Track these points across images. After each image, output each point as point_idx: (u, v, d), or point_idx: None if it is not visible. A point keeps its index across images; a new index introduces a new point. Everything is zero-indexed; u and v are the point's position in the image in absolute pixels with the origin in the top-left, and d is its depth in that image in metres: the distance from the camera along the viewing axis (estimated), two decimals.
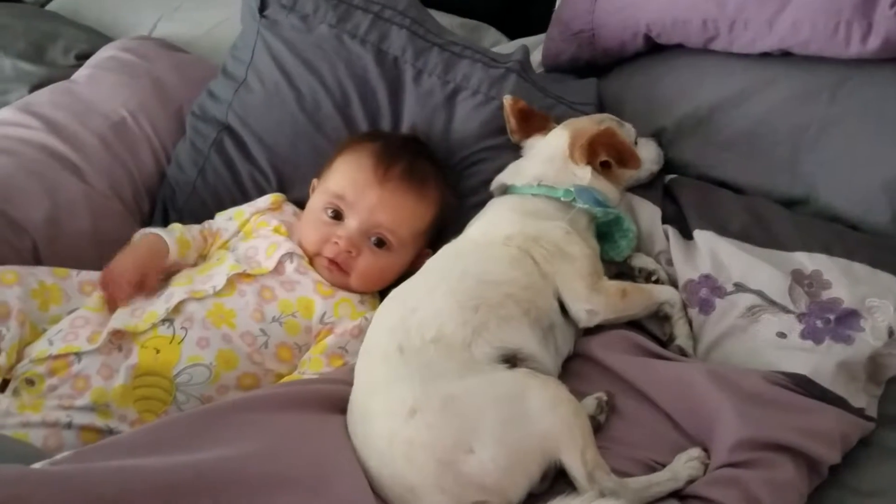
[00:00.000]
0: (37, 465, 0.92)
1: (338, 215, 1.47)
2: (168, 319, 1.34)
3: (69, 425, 1.22)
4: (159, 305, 1.36)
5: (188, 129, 1.71)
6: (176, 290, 1.39)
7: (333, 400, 1.24)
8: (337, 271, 1.46)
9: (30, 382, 1.26)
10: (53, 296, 1.38)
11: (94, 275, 1.43)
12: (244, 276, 1.43)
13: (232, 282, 1.41)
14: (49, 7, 2.33)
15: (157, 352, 1.31)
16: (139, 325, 1.33)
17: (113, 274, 1.38)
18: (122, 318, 1.34)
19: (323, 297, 1.43)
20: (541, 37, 1.97)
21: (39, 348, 1.29)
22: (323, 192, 1.51)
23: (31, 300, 1.34)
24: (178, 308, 1.36)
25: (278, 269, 1.45)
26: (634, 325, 1.40)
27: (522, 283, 1.32)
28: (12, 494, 0.83)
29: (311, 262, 1.48)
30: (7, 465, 0.87)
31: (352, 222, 1.46)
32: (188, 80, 1.81)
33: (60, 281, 1.40)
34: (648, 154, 1.58)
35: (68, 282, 1.41)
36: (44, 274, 1.39)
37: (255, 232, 1.52)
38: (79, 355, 1.29)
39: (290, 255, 1.46)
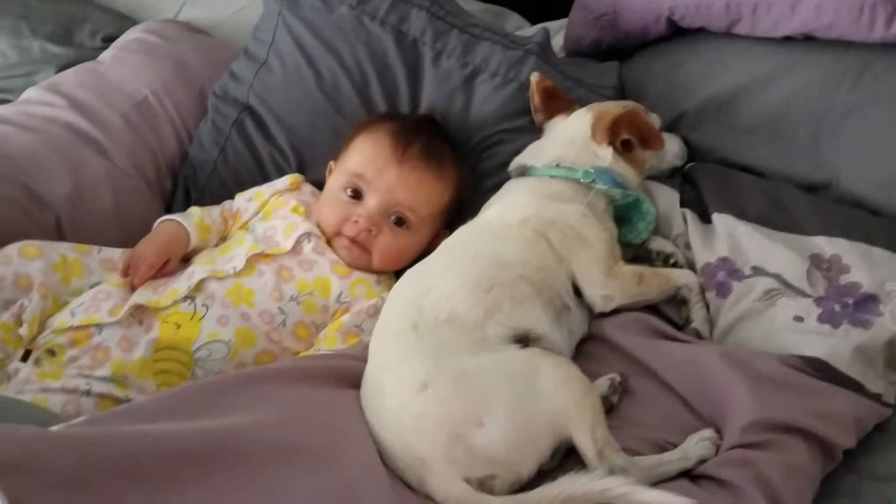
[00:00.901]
0: (53, 428, 0.94)
1: (357, 194, 1.48)
2: (189, 297, 1.36)
3: (88, 393, 1.24)
4: (181, 283, 1.38)
5: (210, 110, 1.72)
6: (197, 269, 1.41)
7: (347, 375, 1.25)
8: (357, 250, 1.46)
9: (51, 353, 1.28)
10: (75, 269, 1.40)
11: (115, 252, 1.45)
12: (263, 256, 1.44)
13: (251, 262, 1.42)
14: None
15: (178, 327, 1.33)
16: (161, 301, 1.35)
17: (135, 260, 1.40)
18: (144, 294, 1.36)
19: (339, 277, 1.44)
20: (562, 21, 1.97)
21: (61, 319, 1.32)
22: (341, 172, 1.51)
23: (54, 273, 1.36)
24: (199, 286, 1.38)
25: (296, 248, 1.46)
26: (651, 308, 1.40)
27: (536, 265, 1.32)
28: (27, 454, 0.84)
29: (329, 243, 1.49)
30: (22, 426, 0.89)
31: (371, 201, 1.47)
32: (211, 62, 1.82)
33: (82, 256, 1.42)
34: (671, 148, 1.58)
35: (90, 257, 1.43)
36: (66, 248, 1.41)
37: (274, 212, 1.54)
38: (100, 327, 1.31)
39: (307, 234, 1.47)
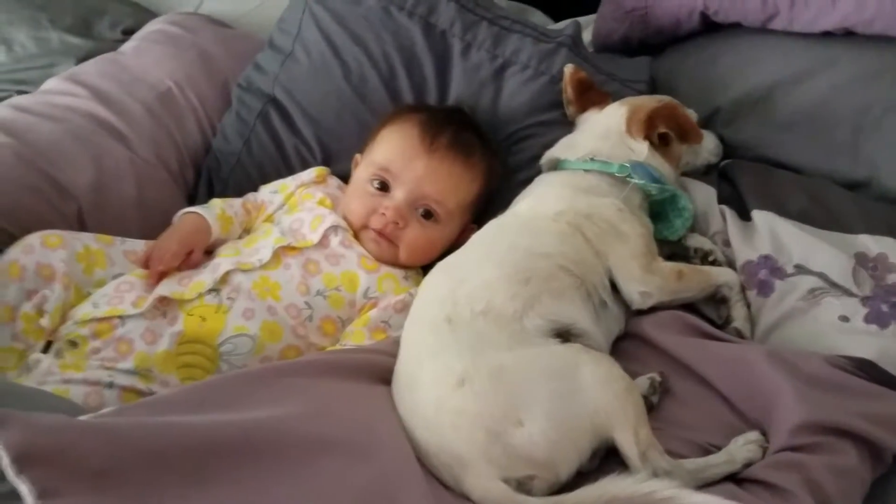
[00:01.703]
0: (81, 418, 0.90)
1: (384, 187, 1.45)
2: (215, 289, 1.33)
3: (111, 385, 1.20)
4: (206, 276, 1.35)
5: (234, 101, 1.69)
6: (223, 262, 1.37)
7: (377, 370, 1.21)
8: (385, 243, 1.43)
9: (73, 344, 1.25)
10: (98, 260, 1.36)
11: (138, 244, 1.42)
12: (289, 248, 1.41)
13: (277, 255, 1.39)
14: None
15: (203, 320, 1.30)
16: (185, 294, 1.32)
17: (158, 252, 1.36)
18: (168, 286, 1.33)
19: (367, 272, 1.41)
20: (590, 17, 1.93)
21: (84, 310, 1.28)
22: (368, 164, 1.48)
23: (77, 263, 1.33)
24: (224, 279, 1.34)
25: (323, 241, 1.42)
26: (688, 307, 1.36)
27: (573, 258, 1.28)
28: (56, 444, 0.81)
29: (356, 236, 1.45)
30: (51, 415, 0.85)
31: (399, 193, 1.43)
32: (234, 54, 1.79)
33: (105, 246, 1.39)
34: (707, 144, 1.54)
35: (113, 248, 1.40)
36: (89, 239, 1.37)
37: (300, 205, 1.50)
38: (123, 318, 1.27)
39: (335, 227, 1.44)
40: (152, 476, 0.86)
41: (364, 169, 1.48)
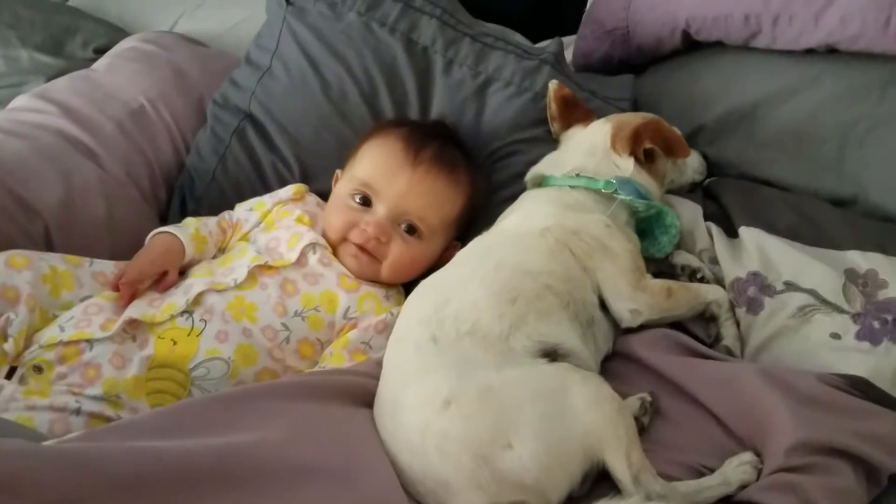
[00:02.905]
0: (45, 443, 0.85)
1: (366, 202, 1.41)
2: (187, 311, 1.28)
3: (78, 411, 1.14)
4: (178, 297, 1.30)
5: (209, 118, 1.65)
6: (196, 282, 1.32)
7: (359, 393, 1.16)
8: (366, 258, 1.39)
9: (38, 369, 1.19)
10: (65, 282, 1.30)
11: (107, 265, 1.36)
12: (266, 268, 1.36)
13: (253, 274, 1.34)
14: (70, 3, 2.29)
15: (174, 343, 1.24)
16: (156, 316, 1.26)
17: (129, 272, 1.31)
18: (139, 308, 1.27)
19: (347, 291, 1.36)
20: (570, 38, 1.92)
21: (49, 334, 1.22)
22: (349, 178, 1.44)
23: (42, 285, 1.27)
24: (197, 300, 1.29)
25: (301, 260, 1.38)
26: (677, 325, 1.33)
27: (561, 275, 1.24)
28: (19, 469, 0.75)
29: (334, 253, 1.41)
30: (10, 440, 0.80)
31: (381, 209, 1.39)
32: (209, 71, 1.76)
33: (73, 268, 1.33)
34: (692, 162, 1.53)
35: (81, 269, 1.34)
36: (56, 260, 1.32)
37: (277, 222, 1.46)
38: (91, 342, 1.22)
39: (313, 245, 1.39)
40: None
41: (345, 184, 1.44)
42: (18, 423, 1.08)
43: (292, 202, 1.48)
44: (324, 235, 1.42)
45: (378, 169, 1.41)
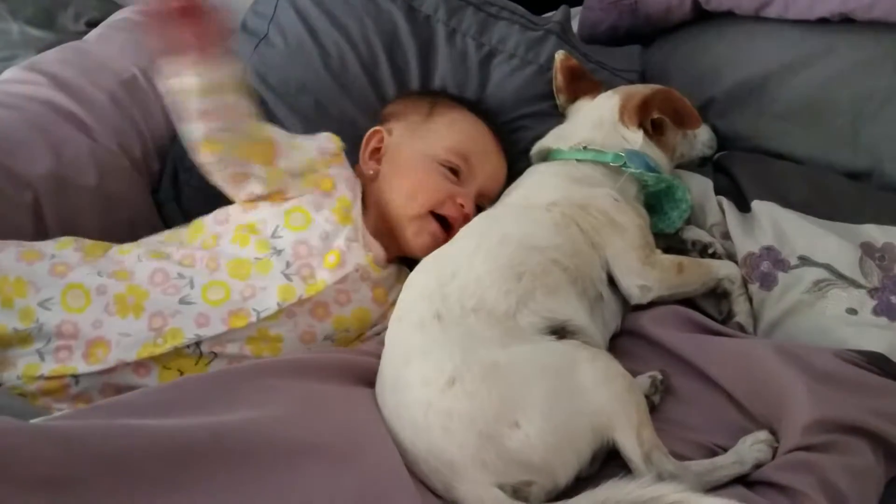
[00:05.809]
0: (32, 421, 0.81)
1: (454, 174, 1.34)
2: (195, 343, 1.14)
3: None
4: (186, 322, 1.13)
5: None
6: (213, 312, 1.15)
7: (361, 371, 1.13)
8: (442, 238, 1.28)
9: (21, 395, 1.08)
10: (18, 289, 1.13)
11: (71, 256, 1.20)
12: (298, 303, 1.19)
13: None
14: None
15: (181, 374, 1.13)
16: (156, 349, 1.12)
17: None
18: (136, 339, 1.11)
19: (379, 305, 1.27)
20: (577, 9, 1.87)
21: (28, 361, 1.08)
22: (436, 145, 1.33)
23: None
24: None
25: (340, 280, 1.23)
26: (687, 302, 1.29)
27: (568, 250, 1.20)
28: (4, 446, 0.71)
29: (392, 230, 1.30)
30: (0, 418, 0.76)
31: (472, 186, 1.34)
32: None
33: (27, 266, 1.16)
34: (701, 135, 1.49)
35: (40, 264, 1.17)
36: (7, 259, 1.16)
37: (313, 192, 1.26)
38: (76, 377, 1.09)
39: (357, 267, 1.24)
40: (116, 484, 0.77)
41: (429, 147, 1.33)
42: (11, 394, 1.03)
43: (332, 161, 1.31)
44: (385, 206, 1.31)
45: (475, 145, 1.37)
